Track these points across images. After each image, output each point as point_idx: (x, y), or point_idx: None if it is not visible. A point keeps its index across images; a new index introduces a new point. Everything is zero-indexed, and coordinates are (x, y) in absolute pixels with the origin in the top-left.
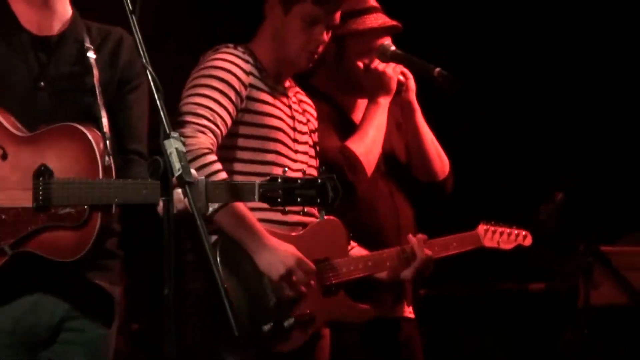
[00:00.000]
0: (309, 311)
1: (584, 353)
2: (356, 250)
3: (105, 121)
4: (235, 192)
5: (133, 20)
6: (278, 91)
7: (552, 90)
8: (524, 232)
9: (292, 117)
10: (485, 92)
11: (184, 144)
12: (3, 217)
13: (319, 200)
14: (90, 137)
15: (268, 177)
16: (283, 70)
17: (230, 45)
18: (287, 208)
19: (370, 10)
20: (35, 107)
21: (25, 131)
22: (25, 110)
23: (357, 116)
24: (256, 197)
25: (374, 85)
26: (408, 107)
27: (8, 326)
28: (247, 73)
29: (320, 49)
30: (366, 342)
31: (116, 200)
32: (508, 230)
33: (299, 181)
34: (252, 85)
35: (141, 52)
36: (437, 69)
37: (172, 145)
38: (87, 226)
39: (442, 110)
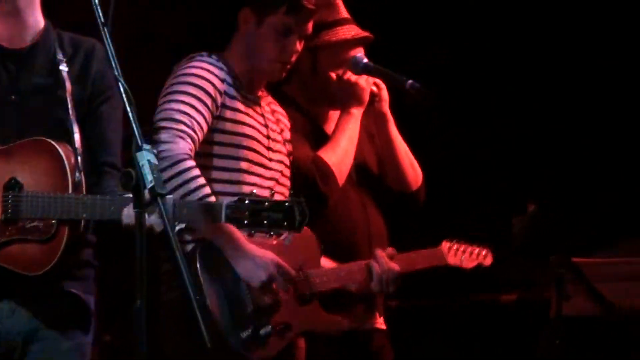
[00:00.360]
0: (284, 319)
1: None
2: (324, 262)
3: (77, 136)
4: (202, 212)
5: (105, 33)
6: (251, 100)
7: (525, 103)
8: (484, 251)
9: (266, 126)
10: (459, 104)
11: (156, 156)
12: None
13: (285, 224)
14: (61, 152)
15: (236, 198)
16: (255, 80)
17: (204, 53)
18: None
19: (342, 21)
20: (6, 121)
21: None
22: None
23: (329, 127)
24: (223, 218)
25: (347, 96)
26: (381, 118)
27: None
28: (222, 80)
29: (294, 58)
30: (339, 354)
31: (84, 215)
32: (470, 249)
33: (266, 203)
34: (226, 93)
35: (113, 64)
36: (409, 81)
37: (145, 158)
38: (54, 240)
39: (416, 122)
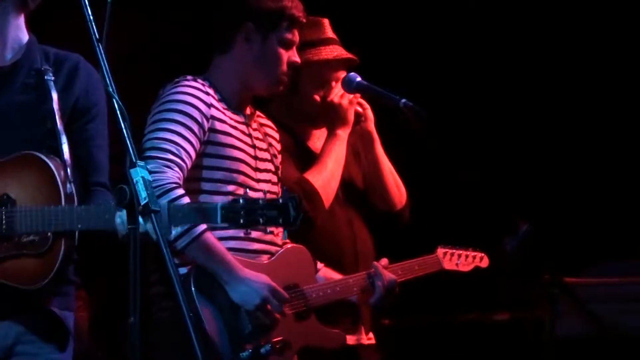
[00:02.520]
0: (282, 337)
1: None
2: (324, 271)
3: (65, 147)
4: (197, 214)
5: (100, 49)
6: (238, 121)
7: (516, 124)
8: (480, 254)
9: (253, 146)
10: (447, 122)
11: (149, 172)
12: None
13: (281, 221)
14: (51, 165)
15: (231, 199)
16: (244, 99)
17: (189, 77)
18: (251, 235)
19: (327, 41)
20: None
21: None
22: None
23: (313, 143)
24: (218, 218)
25: (332, 118)
26: (367, 137)
27: None
28: (208, 105)
29: (288, 74)
30: None
31: (79, 226)
32: (465, 253)
33: (260, 202)
34: (213, 117)
35: (107, 80)
36: (403, 100)
37: (139, 174)
38: (50, 253)
39: (406, 141)
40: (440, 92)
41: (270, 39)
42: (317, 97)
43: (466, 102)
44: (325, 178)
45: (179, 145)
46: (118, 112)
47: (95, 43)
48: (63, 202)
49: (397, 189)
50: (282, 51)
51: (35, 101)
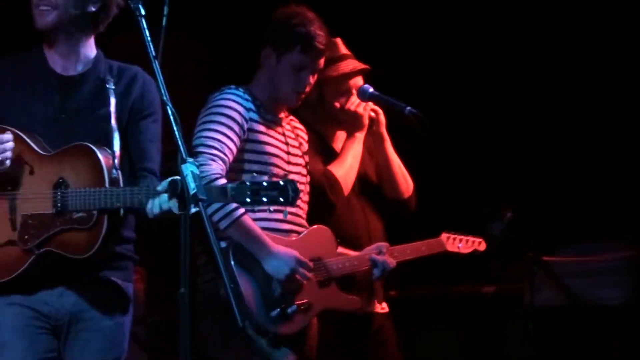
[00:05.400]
0: (306, 300)
1: (528, 345)
2: (341, 249)
3: (117, 142)
4: (210, 194)
5: (156, 64)
6: (273, 122)
7: (501, 121)
8: (478, 240)
9: (286, 143)
10: (445, 124)
11: (198, 167)
12: (30, 222)
13: (281, 200)
14: (99, 154)
15: (239, 181)
16: (277, 106)
17: (232, 86)
18: (287, 217)
19: (342, 57)
20: (56, 135)
21: (49, 150)
22: (48, 135)
23: (336, 144)
24: (228, 198)
25: (351, 123)
26: (379, 137)
27: (42, 308)
28: (247, 109)
29: (308, 89)
30: (342, 333)
31: (118, 204)
32: (466, 238)
33: (264, 184)
34: (251, 119)
35: (162, 91)
36: (408, 108)
37: (188, 169)
38: (96, 227)
39: (410, 141)
40: (430, 96)
41: (282, 60)
42: (337, 105)
43: (453, 105)
44: (345, 170)
45: (222, 142)
46: (171, 117)
47: (152, 59)
48: (107, 185)
49: (404, 181)
50: (293, 72)
51: (96, 104)
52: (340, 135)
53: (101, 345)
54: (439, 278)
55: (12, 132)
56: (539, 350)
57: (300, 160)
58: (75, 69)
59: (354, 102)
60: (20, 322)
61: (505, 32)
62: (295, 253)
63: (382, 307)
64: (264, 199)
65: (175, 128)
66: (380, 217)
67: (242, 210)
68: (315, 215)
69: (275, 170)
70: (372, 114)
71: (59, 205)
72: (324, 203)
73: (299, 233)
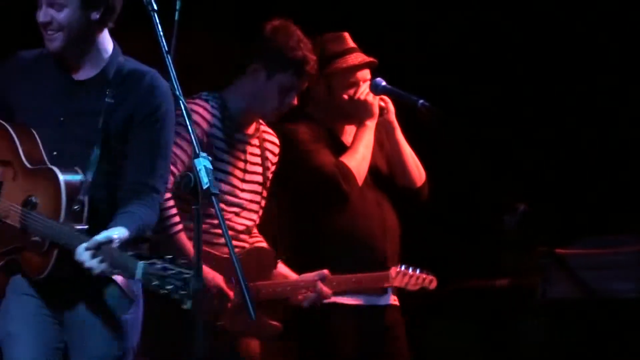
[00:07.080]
0: (222, 322)
1: (541, 338)
2: (280, 268)
3: (96, 157)
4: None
5: (168, 59)
6: (235, 138)
7: (512, 122)
8: (430, 277)
9: (245, 161)
10: (458, 116)
11: (210, 162)
12: (2, 228)
13: (179, 292)
14: (62, 182)
15: (152, 259)
16: (251, 117)
17: (204, 94)
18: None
19: (350, 50)
20: (52, 137)
21: (32, 164)
22: (50, 138)
23: (346, 138)
24: (139, 275)
25: (361, 112)
26: (389, 126)
27: (49, 301)
28: (211, 125)
29: (287, 109)
30: (357, 326)
31: (63, 243)
32: (417, 275)
33: (174, 269)
34: (211, 135)
35: (175, 85)
36: (420, 101)
37: (202, 164)
38: (48, 255)
39: (421, 135)
40: (441, 89)
41: (274, 78)
42: (346, 96)
43: (465, 102)
44: (358, 160)
45: (175, 154)
46: (184, 111)
47: (165, 54)
48: (63, 217)
49: (416, 169)
50: (281, 92)
51: (91, 113)
52: (350, 129)
53: (101, 343)
54: (452, 271)
55: (10, 132)
56: (552, 343)
57: (258, 178)
58: (84, 74)
59: (363, 92)
60: (30, 311)
61: (521, 25)
62: (218, 280)
63: (393, 299)
64: (168, 287)
65: (187, 122)
66: (394, 210)
67: (179, 227)
68: (327, 209)
69: (224, 187)
70: (382, 103)
71: (23, 223)
72: (336, 195)
73: (241, 248)
